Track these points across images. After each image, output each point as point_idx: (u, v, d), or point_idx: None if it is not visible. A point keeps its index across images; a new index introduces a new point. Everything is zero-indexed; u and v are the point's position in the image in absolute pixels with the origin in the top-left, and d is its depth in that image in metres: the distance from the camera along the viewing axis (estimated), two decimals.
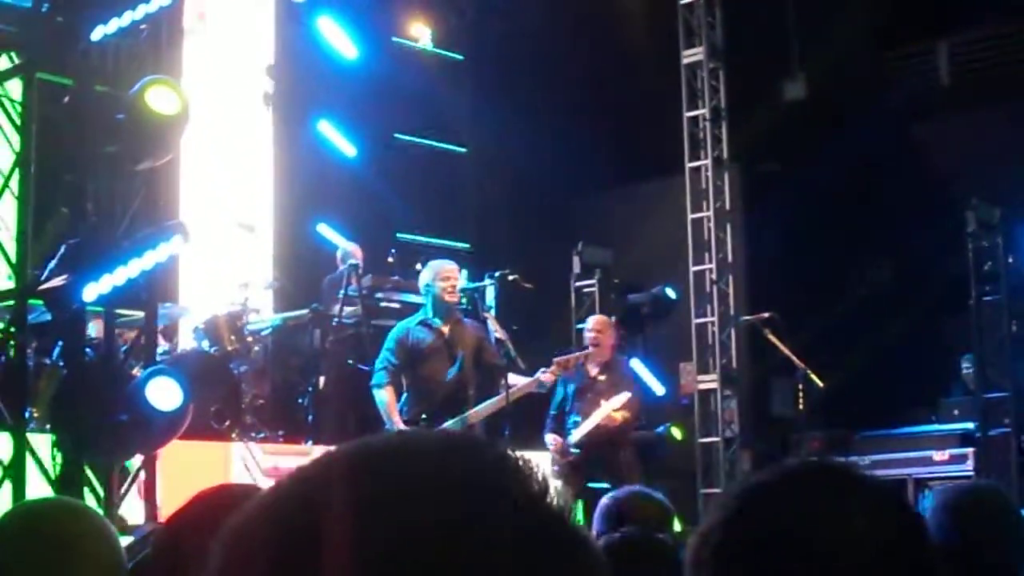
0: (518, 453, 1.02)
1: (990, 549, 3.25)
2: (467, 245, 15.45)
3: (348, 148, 14.30)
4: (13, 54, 7.84)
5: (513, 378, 9.06)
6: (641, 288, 14.48)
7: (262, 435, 10.07)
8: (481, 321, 9.17)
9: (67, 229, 7.55)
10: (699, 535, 1.53)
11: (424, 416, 8.76)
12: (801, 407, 11.14)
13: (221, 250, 12.28)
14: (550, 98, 14.88)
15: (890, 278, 13.68)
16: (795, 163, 13.83)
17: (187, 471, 8.17)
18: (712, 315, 14.03)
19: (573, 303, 13.50)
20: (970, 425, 11.76)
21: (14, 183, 7.49)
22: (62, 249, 7.38)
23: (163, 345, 9.73)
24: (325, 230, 13.36)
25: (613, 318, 13.95)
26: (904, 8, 13.82)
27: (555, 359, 9.44)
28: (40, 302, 7.40)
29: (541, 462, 1.07)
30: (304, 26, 13.94)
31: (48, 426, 7.65)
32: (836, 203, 13.79)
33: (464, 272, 10.67)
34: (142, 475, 7.60)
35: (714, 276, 14.04)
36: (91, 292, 7.12)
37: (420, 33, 15.22)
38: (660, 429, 13.59)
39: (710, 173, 14.17)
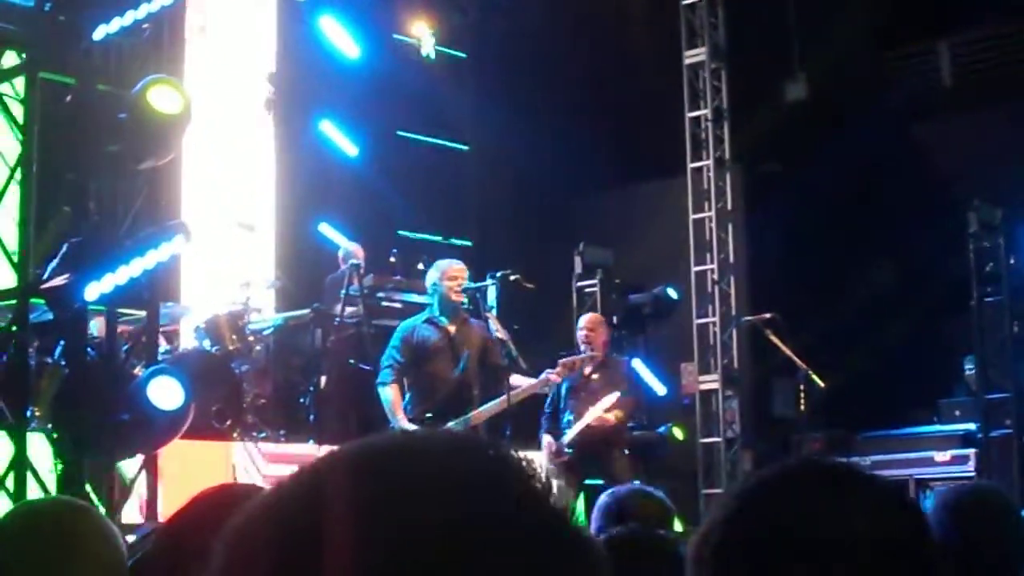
0: (520, 454, 1.02)
1: (990, 549, 3.24)
2: (469, 243, 15.44)
3: (350, 148, 14.30)
4: (15, 53, 7.83)
5: (518, 379, 9.06)
6: (643, 288, 14.47)
7: (263, 435, 10.07)
8: (483, 321, 9.17)
9: (69, 228, 7.55)
10: (700, 533, 1.53)
11: (429, 415, 8.75)
12: (802, 408, 11.14)
13: (223, 249, 12.29)
14: (552, 98, 14.88)
15: (891, 279, 13.66)
16: (797, 164, 13.83)
17: (188, 471, 8.17)
18: (713, 315, 14.04)
19: (575, 303, 13.49)
20: (972, 426, 11.77)
21: (16, 182, 7.49)
22: (64, 248, 7.38)
23: (164, 345, 9.73)
24: (327, 229, 13.35)
25: (615, 318, 14.03)
26: (905, 8, 13.81)
27: (560, 360, 9.45)
28: (42, 301, 7.40)
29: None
30: (306, 25, 13.94)
31: (50, 425, 7.65)
32: (838, 204, 13.78)
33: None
34: (144, 474, 7.60)
35: (716, 276, 14.04)
36: (93, 291, 7.12)
37: (422, 32, 15.20)
38: (661, 429, 13.58)
39: (712, 173, 14.17)
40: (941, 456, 11.72)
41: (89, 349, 7.73)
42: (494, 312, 9.68)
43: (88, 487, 7.16)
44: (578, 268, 14.05)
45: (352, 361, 10.83)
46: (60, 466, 7.23)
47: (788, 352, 10.95)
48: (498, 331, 8.96)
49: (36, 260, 7.37)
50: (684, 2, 14.28)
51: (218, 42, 12.87)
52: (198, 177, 12.27)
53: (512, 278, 9.73)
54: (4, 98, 7.68)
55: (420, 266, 11.91)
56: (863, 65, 14.63)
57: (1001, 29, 14.44)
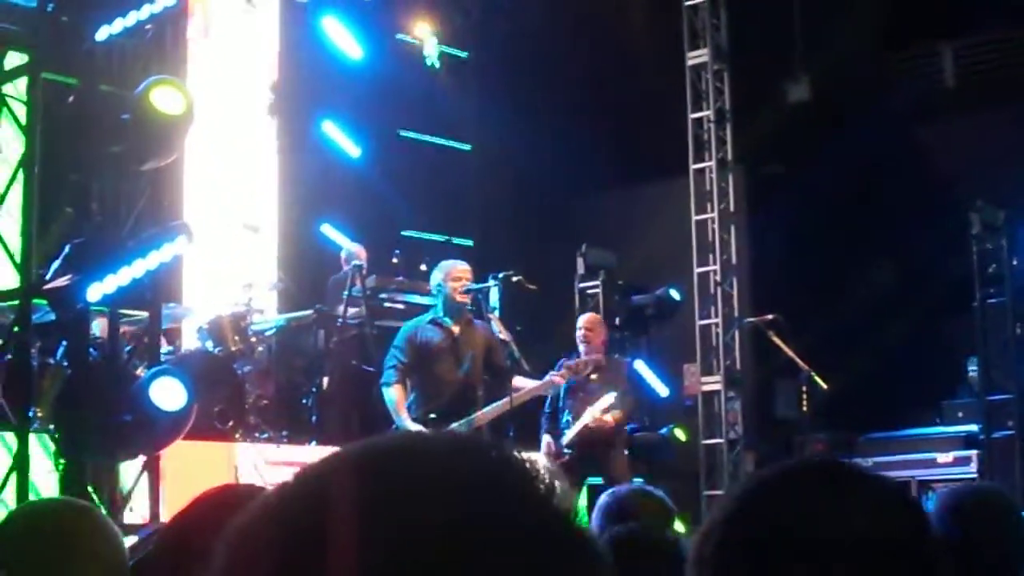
0: (523, 454, 1.02)
1: (991, 549, 3.25)
2: (471, 242, 15.45)
3: (352, 149, 14.30)
4: (18, 53, 7.83)
5: (522, 381, 9.07)
6: (645, 289, 14.47)
7: (266, 436, 10.07)
8: (486, 322, 9.17)
9: (72, 229, 7.56)
10: (702, 532, 1.53)
11: (433, 416, 8.74)
12: (805, 409, 11.14)
13: (225, 250, 12.29)
14: (554, 98, 14.88)
15: (894, 280, 13.66)
16: (799, 165, 13.83)
17: (191, 472, 8.17)
18: (716, 317, 14.03)
19: (577, 305, 13.49)
20: (974, 427, 11.77)
21: (19, 182, 7.50)
22: (66, 249, 7.38)
23: (166, 346, 9.73)
24: (329, 231, 13.36)
25: (618, 320, 14.02)
26: (909, 10, 13.82)
27: (566, 363, 9.46)
28: (44, 302, 7.40)
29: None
30: (309, 27, 13.94)
31: (52, 426, 7.65)
32: (840, 205, 13.79)
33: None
34: (146, 475, 7.60)
35: (718, 278, 14.04)
36: (95, 292, 7.12)
37: (424, 34, 15.20)
38: (664, 430, 13.58)
39: (714, 175, 14.17)
40: (943, 458, 11.71)
41: (91, 350, 7.73)
42: (496, 313, 9.68)
43: (90, 488, 7.16)
44: (581, 269, 14.05)
45: (354, 362, 10.84)
46: (62, 467, 7.24)
47: (790, 353, 10.94)
48: (501, 332, 8.96)
49: (39, 261, 7.37)
50: (687, 3, 14.29)
51: (221, 46, 12.86)
52: (201, 178, 12.27)
53: (515, 279, 9.72)
54: (7, 99, 7.69)
55: (423, 267, 11.90)
56: (866, 66, 14.63)
57: (1004, 32, 14.44)
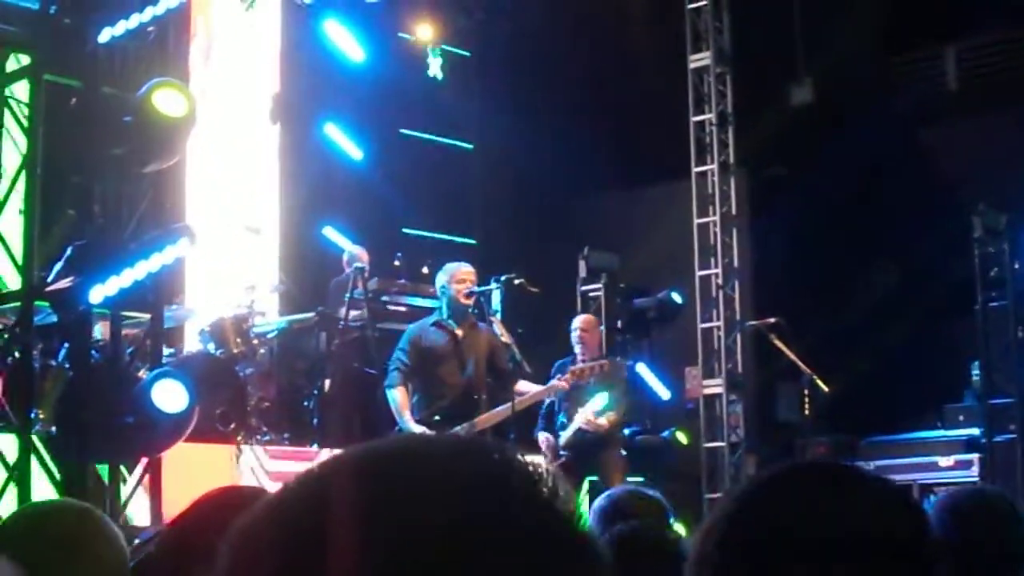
0: (526, 457, 1.02)
1: (990, 551, 3.25)
2: (473, 241, 15.46)
3: (354, 151, 14.31)
4: (21, 55, 7.84)
5: (525, 385, 9.07)
6: (647, 292, 14.48)
7: (267, 438, 10.07)
8: (489, 325, 9.17)
9: (74, 231, 7.57)
10: (702, 532, 1.53)
11: (437, 417, 8.75)
12: (807, 412, 11.14)
13: (227, 253, 12.29)
14: (556, 100, 14.88)
15: (896, 283, 13.66)
16: (802, 168, 13.82)
17: (192, 474, 8.17)
18: (718, 320, 14.03)
19: (579, 307, 13.49)
20: (976, 431, 11.76)
21: (21, 184, 7.50)
22: (69, 251, 7.39)
23: (168, 348, 9.73)
24: (331, 233, 13.37)
25: (619, 323, 14.03)
26: (911, 13, 13.82)
27: (571, 368, 9.47)
28: (46, 304, 7.41)
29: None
30: (310, 29, 13.94)
31: (54, 428, 7.66)
32: (842, 208, 13.78)
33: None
34: (147, 477, 7.60)
35: (720, 281, 14.04)
36: (97, 294, 7.13)
37: (426, 35, 15.22)
38: (665, 433, 13.60)
39: (716, 178, 14.17)
40: (945, 461, 11.71)
41: (93, 352, 7.74)
42: (498, 316, 9.69)
43: (91, 490, 7.17)
44: (582, 272, 14.06)
45: (356, 365, 10.84)
46: (64, 468, 7.24)
47: (792, 356, 10.94)
48: (503, 335, 8.97)
49: (41, 263, 7.38)
50: (689, 5, 14.28)
51: (223, 58, 12.84)
52: (203, 180, 12.27)
53: (517, 282, 9.71)
54: (9, 101, 7.69)
55: (425, 270, 11.91)
56: (868, 69, 14.63)
57: (1007, 34, 14.43)
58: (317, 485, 0.99)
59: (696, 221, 14.18)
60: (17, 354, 7.34)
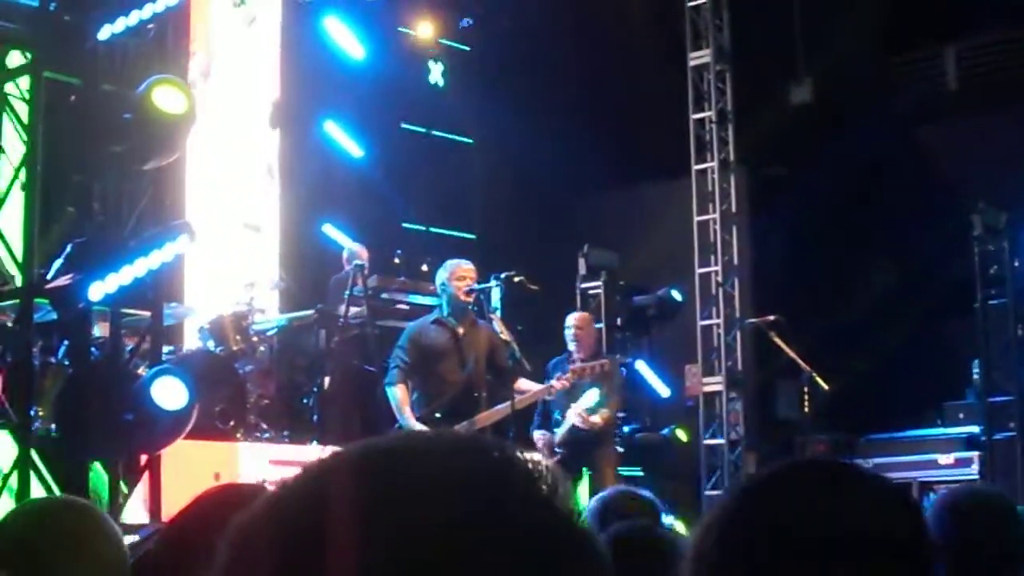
0: (526, 454, 1.02)
1: (989, 551, 3.25)
2: (472, 236, 15.47)
3: (355, 149, 14.31)
4: (20, 52, 7.84)
5: (525, 383, 9.08)
6: (647, 290, 14.49)
7: (267, 435, 10.08)
8: (488, 322, 9.17)
9: (74, 228, 7.57)
10: (702, 528, 1.54)
11: (437, 415, 8.75)
12: (806, 410, 11.14)
13: (227, 250, 12.29)
14: (556, 99, 14.88)
15: (895, 281, 13.66)
16: (801, 166, 13.83)
17: (192, 471, 8.17)
18: (718, 317, 14.03)
19: (579, 305, 13.49)
20: (975, 429, 11.77)
21: (21, 182, 7.50)
22: (68, 248, 7.39)
23: (167, 345, 9.73)
24: (331, 230, 13.37)
25: (619, 320, 14.03)
26: (911, 12, 13.82)
27: (571, 367, 9.48)
28: (46, 301, 7.41)
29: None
30: (311, 27, 13.94)
31: (53, 425, 7.66)
32: (842, 206, 13.79)
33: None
34: (147, 474, 7.60)
35: (720, 278, 14.03)
36: (97, 291, 7.13)
37: (426, 32, 15.24)
38: (665, 431, 13.61)
39: (716, 175, 14.16)
40: (945, 459, 11.71)
41: (93, 349, 7.74)
42: (498, 313, 9.69)
43: (91, 487, 7.17)
44: (582, 269, 14.06)
45: (356, 362, 10.84)
46: (63, 466, 7.24)
47: (792, 354, 10.94)
48: (503, 333, 8.96)
49: (40, 260, 7.38)
50: (689, 3, 14.28)
51: (223, 64, 12.83)
52: (202, 177, 12.27)
53: (517, 280, 9.71)
54: (9, 98, 7.69)
55: (424, 267, 11.92)
56: (868, 68, 14.63)
57: (1007, 34, 14.44)
58: (316, 483, 0.99)
59: (696, 219, 14.17)
60: (17, 351, 7.34)
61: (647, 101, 14.36)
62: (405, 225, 14.78)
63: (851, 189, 13.81)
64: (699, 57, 14.31)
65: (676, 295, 14.26)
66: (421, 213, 15.03)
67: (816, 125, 13.89)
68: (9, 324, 7.53)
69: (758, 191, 14.69)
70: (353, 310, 10.39)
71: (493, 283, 9.71)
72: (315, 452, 9.35)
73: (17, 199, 7.52)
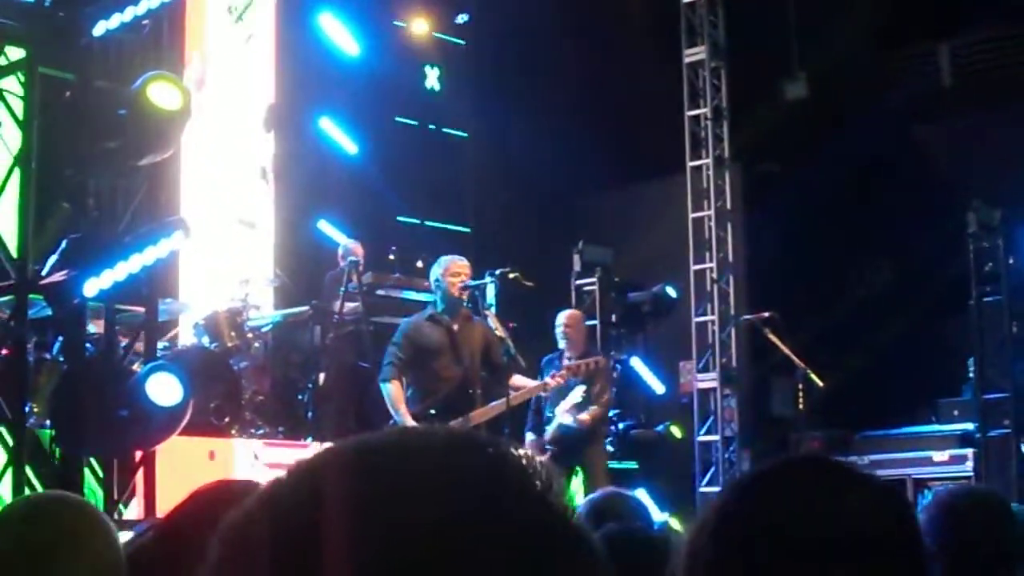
0: (520, 451, 1.02)
1: (986, 551, 3.25)
2: (467, 229, 15.48)
3: (349, 145, 14.31)
4: (15, 49, 7.83)
5: (520, 380, 9.09)
6: (641, 287, 14.49)
7: (262, 432, 10.07)
8: (482, 318, 9.18)
9: (68, 224, 7.56)
10: (696, 525, 1.54)
11: (432, 411, 8.75)
12: (801, 407, 11.14)
13: (222, 246, 12.27)
14: (551, 97, 14.88)
15: (890, 278, 13.67)
16: (796, 163, 13.83)
17: (186, 467, 8.17)
18: (712, 314, 14.03)
19: (573, 302, 13.50)
20: (970, 426, 11.77)
21: (15, 178, 7.49)
22: (63, 244, 7.39)
23: (162, 341, 9.73)
24: (326, 227, 13.37)
25: (614, 317, 14.03)
26: (906, 9, 13.82)
27: (565, 364, 9.49)
28: (41, 297, 7.40)
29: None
30: (305, 24, 13.93)
31: (48, 421, 7.65)
32: (837, 203, 13.79)
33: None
34: (141, 470, 7.60)
35: (714, 275, 14.04)
36: (92, 287, 7.12)
37: (421, 29, 15.24)
38: (660, 428, 13.62)
39: (711, 172, 14.16)
40: (939, 456, 11.72)
41: (88, 345, 7.73)
42: (493, 310, 9.69)
43: (85, 483, 7.17)
44: (577, 266, 14.07)
45: (351, 358, 10.84)
46: (58, 462, 7.23)
47: (786, 351, 10.95)
48: (497, 329, 8.97)
49: (35, 256, 7.37)
50: (684, 0, 14.27)
51: (218, 70, 12.80)
52: (197, 174, 12.25)
53: (511, 276, 9.72)
54: (4, 94, 7.68)
55: (419, 264, 11.92)
56: (863, 65, 14.63)
57: (1001, 31, 14.45)
58: (309, 479, 0.99)
59: (691, 215, 14.18)
60: (11, 347, 7.34)
61: (642, 98, 14.36)
62: (400, 218, 14.78)
63: (846, 186, 13.82)
64: (694, 54, 14.31)
65: (671, 292, 14.27)
66: (416, 206, 15.03)
67: (811, 122, 13.89)
68: (3, 320, 7.52)
69: (753, 188, 14.70)
70: (348, 306, 10.39)
71: (488, 279, 9.71)
72: (310, 449, 9.36)
73: (12, 195, 7.51)
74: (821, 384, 10.83)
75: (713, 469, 13.59)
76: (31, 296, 7.31)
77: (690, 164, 14.26)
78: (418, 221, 15.03)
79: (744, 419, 13.90)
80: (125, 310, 7.95)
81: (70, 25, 7.49)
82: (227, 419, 9.56)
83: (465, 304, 9.07)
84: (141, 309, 7.90)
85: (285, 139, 13.45)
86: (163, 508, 7.16)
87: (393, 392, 8.86)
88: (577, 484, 9.87)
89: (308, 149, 13.87)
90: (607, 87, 14.91)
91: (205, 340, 10.17)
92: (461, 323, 9.02)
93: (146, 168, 7.74)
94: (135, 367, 7.83)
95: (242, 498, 1.02)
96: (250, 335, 10.51)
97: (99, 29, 7.51)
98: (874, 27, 13.99)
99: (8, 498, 6.73)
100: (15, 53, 7.79)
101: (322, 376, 10.71)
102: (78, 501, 2.93)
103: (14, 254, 7.37)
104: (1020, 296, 11.62)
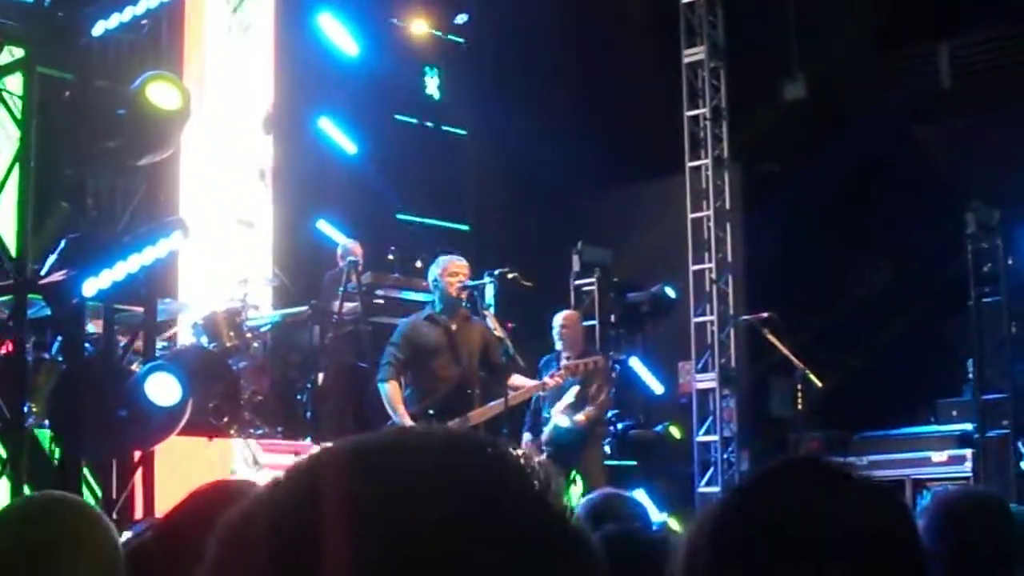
0: (518, 451, 1.02)
1: (985, 553, 3.25)
2: (467, 227, 15.48)
3: (348, 145, 14.31)
4: (14, 48, 7.82)
5: (519, 380, 9.08)
6: (640, 287, 14.49)
7: (261, 432, 10.07)
8: (481, 318, 9.18)
9: (67, 224, 7.55)
10: (696, 526, 1.54)
11: (431, 411, 8.75)
12: (800, 407, 11.15)
13: (221, 246, 12.28)
14: (550, 97, 14.87)
15: (889, 279, 13.68)
16: (795, 163, 13.83)
17: (185, 467, 8.17)
18: (711, 314, 14.03)
19: (572, 302, 13.50)
20: (969, 426, 11.77)
21: (14, 177, 7.49)
22: (62, 244, 7.38)
23: (161, 341, 9.73)
24: (325, 227, 13.37)
25: (613, 317, 14.03)
26: (905, 9, 13.82)
27: (564, 364, 9.49)
28: (39, 297, 7.39)
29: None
30: (304, 24, 13.93)
31: (47, 421, 7.65)
32: (836, 203, 13.79)
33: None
34: (140, 470, 7.60)
35: (713, 275, 14.03)
36: (91, 287, 7.12)
37: (420, 29, 15.25)
38: (658, 428, 13.62)
39: (710, 172, 14.16)
40: (938, 456, 11.72)
41: (86, 345, 7.73)
42: (492, 310, 9.69)
43: (84, 483, 7.16)
44: (576, 266, 14.07)
45: (349, 358, 10.84)
46: (57, 462, 7.23)
47: (785, 351, 10.95)
48: (496, 329, 8.97)
49: (34, 256, 7.36)
50: (683, 1, 14.27)
51: (217, 72, 12.80)
52: (197, 173, 12.25)
53: (510, 276, 9.73)
54: (3, 93, 7.67)
55: (418, 264, 11.92)
56: (862, 65, 14.63)
57: (1000, 31, 14.46)
58: (307, 479, 0.99)
59: (690, 216, 14.17)
60: (10, 347, 7.33)
61: (641, 98, 14.35)
62: (399, 216, 14.78)
63: (845, 186, 13.81)
64: (693, 54, 14.31)
65: (670, 292, 14.26)
66: (415, 204, 15.03)
67: (810, 122, 13.90)
68: (2, 320, 7.52)
69: (752, 188, 14.70)
70: (347, 306, 10.40)
71: (487, 279, 9.72)
72: (309, 448, 9.35)
73: (11, 194, 7.51)
74: (820, 384, 10.84)
75: (712, 469, 13.59)
76: (30, 296, 7.30)
77: (689, 164, 14.25)
78: (417, 219, 15.03)
79: (743, 419, 13.90)
80: (124, 310, 7.95)
81: (69, 25, 7.49)
82: (226, 419, 9.55)
83: (464, 304, 9.07)
84: (140, 309, 7.89)
85: (284, 139, 13.46)
86: (162, 508, 7.16)
87: (391, 392, 8.86)
88: (576, 490, 9.86)
89: (307, 149, 13.88)
90: (607, 87, 14.91)
91: (204, 340, 10.17)
92: (459, 323, 9.02)
93: (145, 168, 7.73)
94: (134, 367, 7.82)
95: (240, 498, 1.01)
96: (249, 335, 10.51)
97: (98, 29, 7.50)
98: (874, 27, 14.00)
99: (7, 498, 6.72)
100: (14, 53, 7.79)
101: (321, 376, 10.71)
102: (78, 501, 2.93)
103: (13, 253, 7.36)
104: (1019, 297, 11.62)
